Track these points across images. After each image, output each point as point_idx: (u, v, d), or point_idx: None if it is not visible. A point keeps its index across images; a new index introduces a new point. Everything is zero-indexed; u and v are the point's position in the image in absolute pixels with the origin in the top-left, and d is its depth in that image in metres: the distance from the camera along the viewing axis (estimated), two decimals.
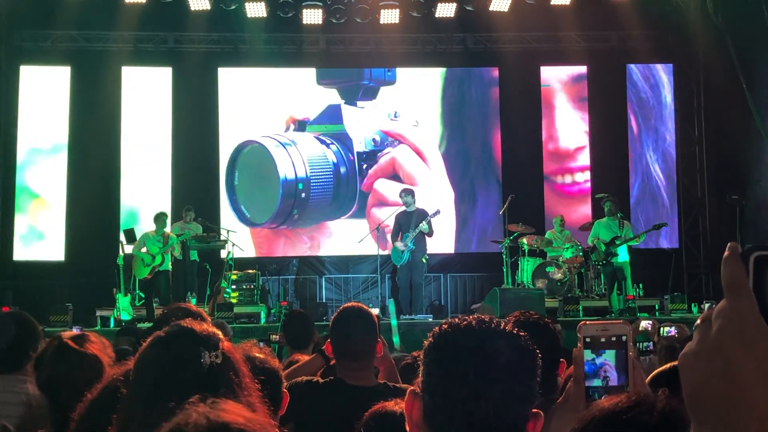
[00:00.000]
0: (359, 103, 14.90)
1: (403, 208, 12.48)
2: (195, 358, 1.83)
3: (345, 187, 14.52)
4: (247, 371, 1.91)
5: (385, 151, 14.73)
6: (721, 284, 0.89)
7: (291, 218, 14.55)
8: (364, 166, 14.68)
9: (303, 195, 14.50)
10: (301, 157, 14.52)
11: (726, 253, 0.89)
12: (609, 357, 1.59)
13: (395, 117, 14.82)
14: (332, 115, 14.78)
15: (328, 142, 14.66)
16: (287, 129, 14.74)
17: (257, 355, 2.74)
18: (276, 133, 14.64)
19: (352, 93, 14.96)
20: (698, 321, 0.93)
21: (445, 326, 1.60)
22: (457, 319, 1.61)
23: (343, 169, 14.65)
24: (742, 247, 0.90)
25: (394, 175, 14.62)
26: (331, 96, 14.97)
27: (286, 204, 14.48)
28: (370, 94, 15.01)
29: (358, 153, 14.67)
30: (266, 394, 1.93)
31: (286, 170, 14.46)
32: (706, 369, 0.88)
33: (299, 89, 14.94)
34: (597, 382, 1.59)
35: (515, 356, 1.56)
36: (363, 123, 14.78)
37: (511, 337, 1.58)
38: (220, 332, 1.95)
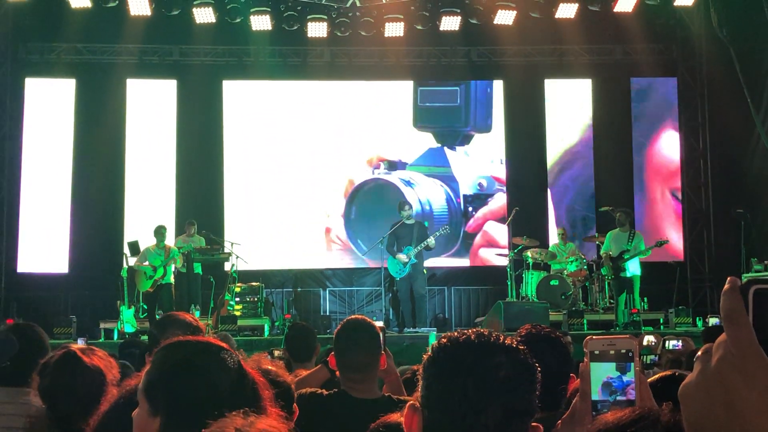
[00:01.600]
0: (457, 148, 15.32)
1: (401, 220, 12.43)
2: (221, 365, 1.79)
3: (454, 227, 14.70)
4: (265, 382, 1.88)
5: (495, 196, 15.14)
6: (720, 317, 0.89)
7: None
8: (470, 208, 15.12)
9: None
10: (425, 195, 14.99)
11: (725, 286, 0.90)
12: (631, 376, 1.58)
13: (501, 163, 15.25)
14: (436, 157, 15.24)
15: (439, 183, 15.13)
16: (376, 168, 15.04)
17: (269, 368, 2.73)
18: (390, 172, 15.05)
19: (451, 138, 15.33)
20: (699, 353, 0.93)
21: (445, 340, 1.59)
22: (456, 333, 1.61)
23: (453, 209, 15.10)
24: (746, 260, 0.90)
25: (503, 218, 14.86)
26: (425, 138, 15.32)
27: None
28: (467, 140, 15.39)
29: (464, 195, 15.13)
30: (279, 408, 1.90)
31: (415, 208, 14.67)
32: (707, 399, 0.88)
33: (392, 133, 15.21)
34: (605, 396, 1.58)
35: (515, 370, 1.55)
36: (467, 167, 15.22)
37: (510, 351, 1.57)
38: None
